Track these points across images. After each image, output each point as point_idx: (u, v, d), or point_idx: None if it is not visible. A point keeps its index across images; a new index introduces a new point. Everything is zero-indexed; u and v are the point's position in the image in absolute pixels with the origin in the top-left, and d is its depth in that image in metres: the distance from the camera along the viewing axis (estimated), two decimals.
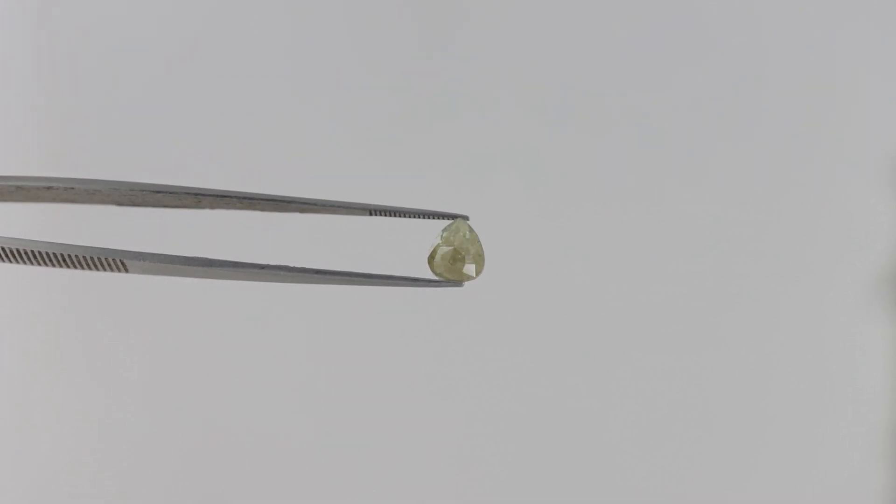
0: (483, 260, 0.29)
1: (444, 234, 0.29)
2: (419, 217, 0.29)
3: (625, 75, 0.69)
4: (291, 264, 0.26)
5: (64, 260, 0.24)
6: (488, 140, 0.68)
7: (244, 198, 0.28)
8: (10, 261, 0.25)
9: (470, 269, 0.29)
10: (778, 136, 0.70)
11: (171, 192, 0.27)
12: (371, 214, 0.29)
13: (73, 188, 0.27)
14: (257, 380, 0.68)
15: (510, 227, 0.67)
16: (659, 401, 0.69)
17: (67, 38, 0.68)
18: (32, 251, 0.24)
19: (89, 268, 0.25)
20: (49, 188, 0.26)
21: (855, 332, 0.70)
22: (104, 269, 0.25)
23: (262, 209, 0.30)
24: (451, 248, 0.29)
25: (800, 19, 0.70)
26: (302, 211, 0.30)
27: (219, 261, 0.25)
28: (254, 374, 0.68)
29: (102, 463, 0.68)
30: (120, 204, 0.29)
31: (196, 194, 0.27)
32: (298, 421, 0.69)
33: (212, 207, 0.29)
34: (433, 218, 0.30)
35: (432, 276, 0.29)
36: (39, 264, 0.25)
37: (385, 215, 0.30)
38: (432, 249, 0.29)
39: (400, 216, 0.30)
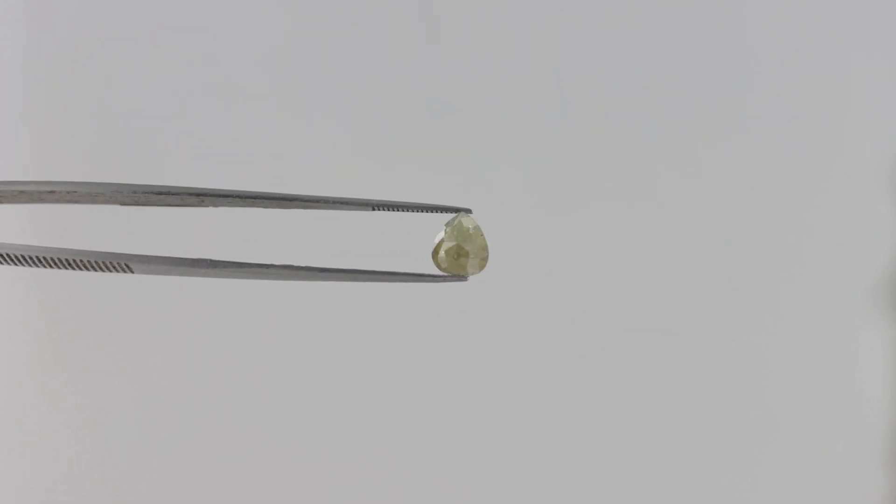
0: (487, 254, 0.29)
1: (448, 229, 0.29)
2: (422, 211, 0.30)
3: (624, 74, 0.69)
4: (295, 263, 0.26)
5: (70, 263, 0.24)
6: (491, 134, 0.68)
7: (246, 196, 0.28)
8: (17, 264, 0.25)
9: (474, 263, 0.29)
10: (776, 138, 0.70)
11: (173, 193, 0.27)
12: (374, 209, 0.30)
13: (75, 191, 0.27)
14: (258, 378, 0.68)
15: (513, 222, 0.67)
16: (659, 404, 0.70)
17: (61, 36, 0.68)
18: (40, 257, 0.24)
19: (95, 269, 0.25)
20: (51, 192, 0.27)
21: (854, 336, 0.70)
22: (109, 271, 0.25)
23: (265, 206, 0.30)
24: (454, 243, 0.29)
25: (797, 17, 0.70)
26: (305, 207, 0.30)
27: (223, 262, 0.25)
28: (255, 372, 0.68)
29: (101, 463, 0.68)
30: (123, 204, 0.30)
31: (198, 195, 0.27)
32: (300, 419, 0.69)
33: (215, 206, 0.30)
34: (436, 212, 0.30)
35: (436, 272, 0.29)
36: (46, 267, 0.25)
37: (388, 210, 0.30)
38: (436, 244, 0.29)
39: (403, 210, 0.30)
